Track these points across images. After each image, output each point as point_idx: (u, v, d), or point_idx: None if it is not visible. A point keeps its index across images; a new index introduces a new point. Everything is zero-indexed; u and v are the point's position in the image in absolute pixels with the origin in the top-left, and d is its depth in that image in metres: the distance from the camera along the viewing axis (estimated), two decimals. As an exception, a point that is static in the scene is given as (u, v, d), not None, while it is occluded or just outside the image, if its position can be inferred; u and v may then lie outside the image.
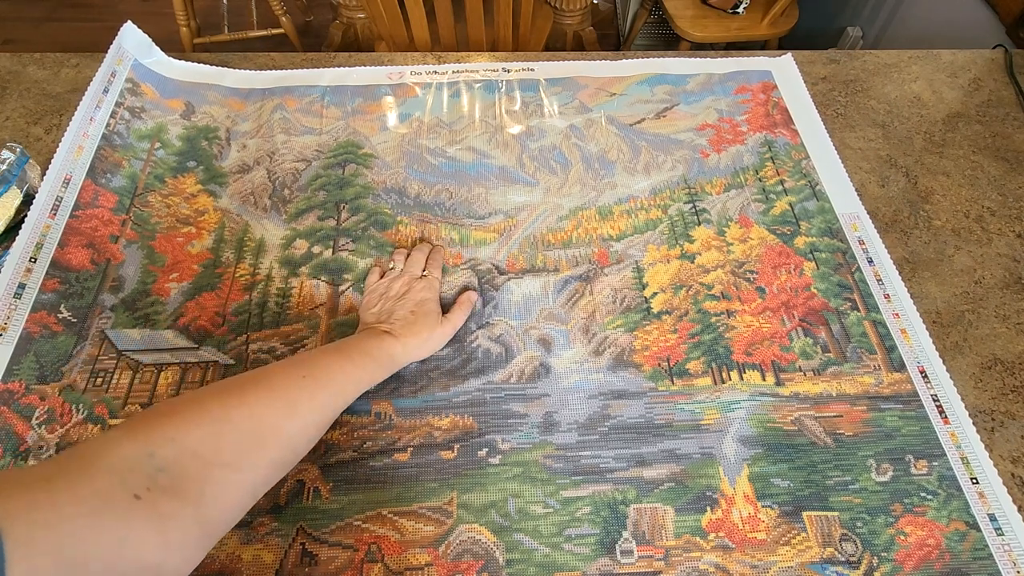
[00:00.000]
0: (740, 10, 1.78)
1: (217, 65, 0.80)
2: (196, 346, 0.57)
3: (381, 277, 0.61)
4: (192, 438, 0.38)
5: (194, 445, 0.38)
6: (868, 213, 0.68)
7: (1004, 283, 0.64)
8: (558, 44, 1.99)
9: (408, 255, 0.63)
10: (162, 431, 0.38)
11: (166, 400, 0.42)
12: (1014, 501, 0.50)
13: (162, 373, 0.56)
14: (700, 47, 1.81)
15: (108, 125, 0.70)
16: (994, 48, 0.88)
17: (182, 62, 0.80)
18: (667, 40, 2.23)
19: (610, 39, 2.37)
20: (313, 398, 0.47)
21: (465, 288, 0.62)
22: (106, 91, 0.72)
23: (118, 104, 0.72)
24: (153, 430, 0.38)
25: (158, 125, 0.73)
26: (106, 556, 0.32)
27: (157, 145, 0.71)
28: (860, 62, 0.85)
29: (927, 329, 0.60)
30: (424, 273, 0.61)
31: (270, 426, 0.43)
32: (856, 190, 0.70)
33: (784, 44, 1.91)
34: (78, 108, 0.70)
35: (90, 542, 0.31)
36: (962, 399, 0.56)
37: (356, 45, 2.04)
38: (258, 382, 0.45)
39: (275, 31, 2.03)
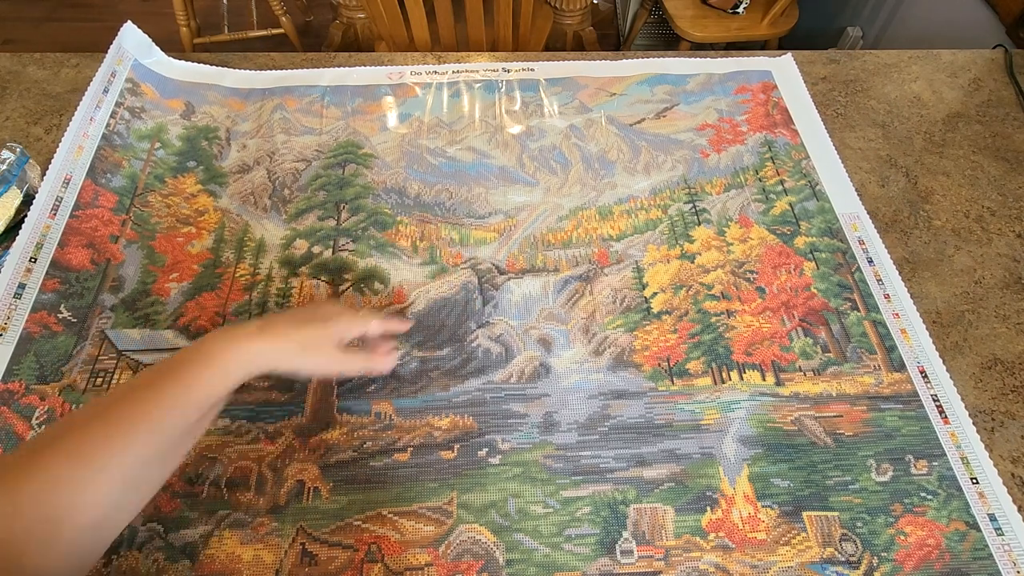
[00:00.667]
0: (740, 10, 1.78)
1: (217, 65, 0.80)
2: None
3: None
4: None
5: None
6: (868, 213, 0.68)
7: (1004, 283, 0.64)
8: (558, 44, 1.99)
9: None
10: None
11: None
12: (1014, 501, 0.50)
13: None
14: (700, 47, 1.81)
15: (108, 125, 0.70)
16: (994, 48, 0.88)
17: (182, 62, 0.80)
18: (667, 40, 2.23)
19: (610, 39, 2.37)
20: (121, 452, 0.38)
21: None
22: (106, 91, 0.72)
23: (118, 104, 0.72)
24: None
25: (158, 125, 0.73)
26: None
27: (157, 145, 0.71)
28: (860, 62, 0.85)
29: (927, 329, 0.60)
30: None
31: (63, 504, 0.35)
32: (856, 190, 0.70)
33: (784, 44, 1.90)
34: (78, 108, 0.70)
35: None
36: (962, 399, 0.56)
37: (356, 45, 2.04)
38: (53, 441, 0.38)
39: (275, 31, 2.03)
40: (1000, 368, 0.59)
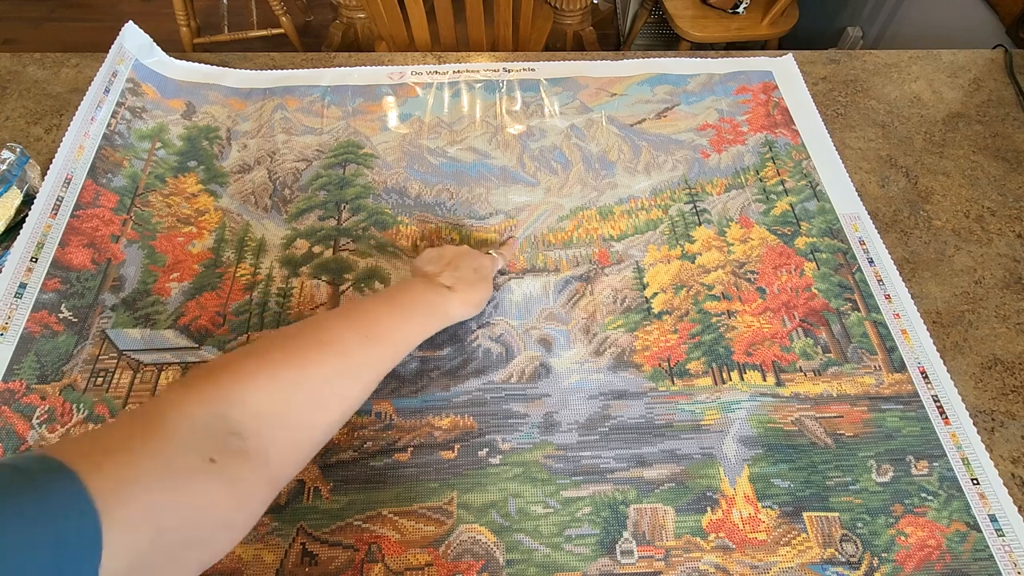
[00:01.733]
0: (740, 10, 1.79)
1: (217, 65, 0.80)
2: (197, 346, 0.57)
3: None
4: (261, 402, 0.39)
5: (263, 409, 0.39)
6: (868, 213, 0.68)
7: (1004, 283, 0.64)
8: (558, 44, 1.99)
9: None
10: (231, 393, 0.38)
11: (226, 356, 0.41)
12: (1015, 502, 0.50)
13: (163, 373, 0.56)
14: (700, 47, 1.81)
15: (109, 125, 0.70)
16: (994, 48, 0.88)
17: (183, 62, 0.80)
18: (667, 40, 2.23)
19: (610, 39, 2.37)
20: (375, 361, 0.47)
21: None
22: (107, 91, 0.72)
23: (119, 104, 0.72)
24: (222, 391, 0.38)
25: (159, 125, 0.73)
26: (189, 521, 0.33)
27: (158, 145, 0.71)
28: (860, 62, 0.85)
29: (927, 329, 0.60)
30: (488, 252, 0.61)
31: (334, 391, 0.44)
32: (856, 190, 0.70)
33: (784, 44, 1.90)
34: (79, 108, 0.70)
35: (175, 510, 0.32)
36: (962, 399, 0.56)
37: (356, 45, 2.04)
38: (321, 343, 0.44)
39: (275, 31, 2.03)
40: (1000, 368, 0.59)
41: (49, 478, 0.28)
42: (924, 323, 0.60)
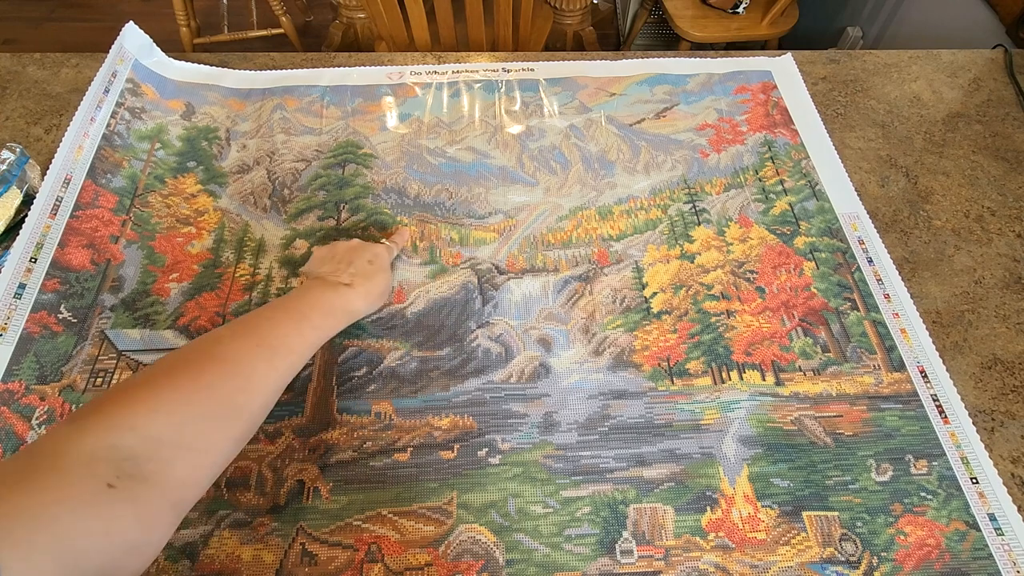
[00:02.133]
0: (740, 10, 1.79)
1: (217, 65, 0.80)
2: None
3: None
4: (153, 425, 0.38)
5: (156, 432, 0.38)
6: (868, 213, 0.68)
7: (1004, 283, 0.64)
8: (558, 44, 1.99)
9: None
10: (121, 421, 0.37)
11: (116, 386, 0.41)
12: (1014, 501, 0.50)
13: None
14: (700, 47, 1.81)
15: (108, 125, 0.70)
16: (994, 48, 0.88)
17: (182, 63, 0.80)
18: (667, 40, 2.23)
19: (610, 39, 2.37)
20: (271, 368, 0.46)
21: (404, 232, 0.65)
22: (107, 91, 0.72)
23: (119, 104, 0.72)
24: (112, 420, 0.37)
25: (158, 126, 0.73)
26: (97, 544, 0.33)
27: (157, 146, 0.71)
28: (860, 62, 0.85)
29: (927, 329, 0.60)
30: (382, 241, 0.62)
31: (234, 407, 0.43)
32: (856, 190, 0.70)
33: (784, 44, 1.90)
34: (79, 108, 0.70)
35: (80, 534, 0.32)
36: (962, 399, 0.56)
37: (356, 45, 2.04)
38: (215, 359, 0.44)
39: (275, 31, 2.03)
40: (1000, 368, 0.59)
41: None
42: (924, 322, 0.60)
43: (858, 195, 0.69)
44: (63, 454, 0.35)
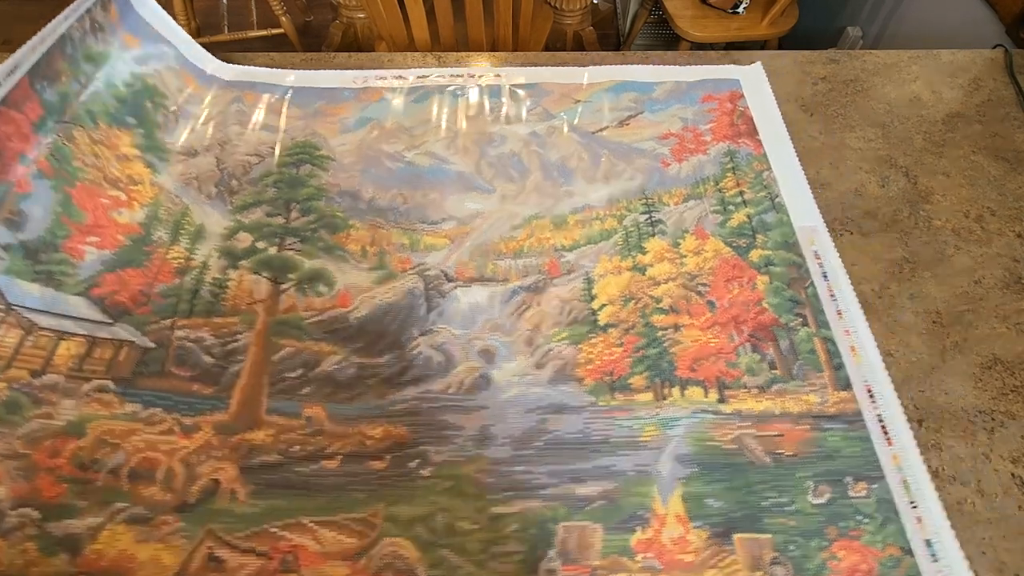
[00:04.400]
0: (740, 10, 1.77)
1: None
2: (111, 321, 0.56)
3: None
4: None
5: None
6: (868, 213, 0.68)
7: (1004, 283, 0.63)
8: (558, 44, 1.98)
9: None
10: None
11: None
12: (952, 527, 0.49)
13: (63, 343, 0.53)
14: (700, 47, 1.80)
15: (71, 27, 0.63)
16: (994, 48, 0.88)
17: (156, 5, 0.75)
18: (667, 40, 2.21)
19: (610, 39, 2.36)
20: None
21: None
22: None
23: (87, 12, 0.65)
24: None
25: (108, 53, 0.67)
26: None
27: (100, 75, 0.65)
28: (860, 62, 0.85)
29: (924, 330, 0.59)
30: None
31: None
32: (855, 190, 0.70)
33: (784, 44, 1.89)
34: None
35: None
36: (960, 400, 0.56)
37: (356, 45, 2.04)
38: None
39: (275, 31, 2.04)
40: (1000, 368, 0.58)
41: None
42: (922, 324, 0.60)
43: (857, 195, 0.69)
44: None
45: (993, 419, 0.55)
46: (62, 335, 0.53)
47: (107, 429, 0.51)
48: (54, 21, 0.63)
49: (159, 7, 0.75)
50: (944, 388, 0.57)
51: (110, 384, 0.53)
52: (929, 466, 0.53)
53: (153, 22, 0.74)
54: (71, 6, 0.65)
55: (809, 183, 0.71)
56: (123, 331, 0.55)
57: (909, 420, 0.55)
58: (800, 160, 0.73)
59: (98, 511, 0.47)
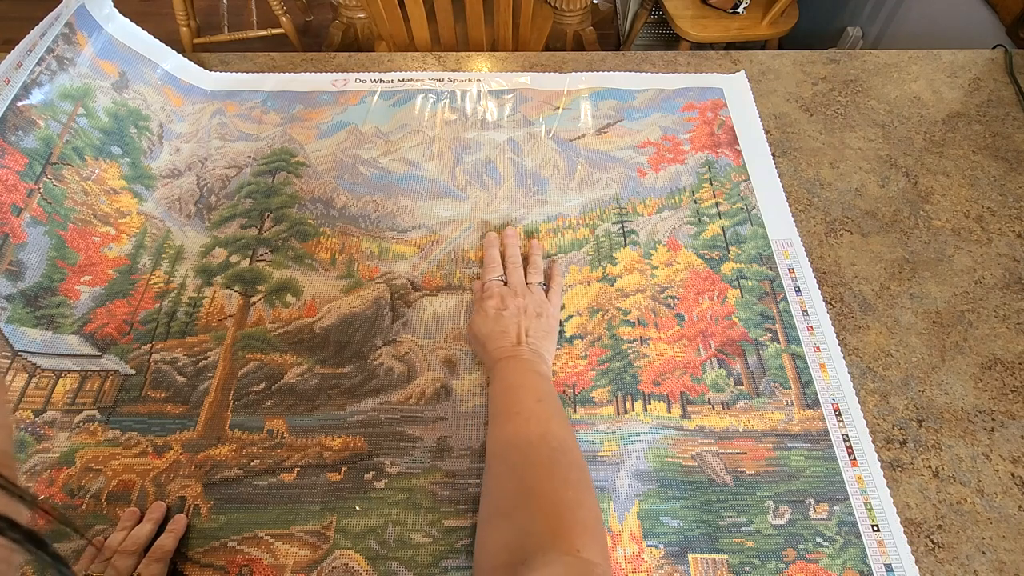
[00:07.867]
0: (740, 10, 1.76)
1: (217, 65, 0.80)
2: (99, 354, 0.57)
3: (482, 289, 0.60)
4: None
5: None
6: (868, 213, 0.67)
7: (1004, 283, 0.63)
8: (558, 44, 1.97)
9: (504, 256, 0.63)
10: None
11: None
12: (913, 552, 0.48)
13: (60, 380, 0.55)
14: (700, 47, 1.78)
15: (33, 73, 0.61)
16: (994, 48, 0.87)
17: (126, 20, 0.72)
18: (667, 40, 2.19)
19: (610, 39, 2.34)
20: (565, 428, 0.49)
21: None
22: (43, 34, 0.64)
23: (48, 51, 0.63)
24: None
25: (85, 87, 0.66)
26: None
27: (81, 111, 0.65)
28: (860, 62, 0.84)
29: (924, 330, 0.59)
30: (529, 282, 0.61)
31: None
32: (856, 190, 0.69)
33: (784, 44, 1.87)
34: (11, 52, 0.62)
35: None
36: (960, 400, 0.55)
37: (356, 45, 2.04)
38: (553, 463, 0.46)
39: (275, 31, 2.04)
40: (1000, 368, 0.57)
41: None
42: (922, 324, 0.59)
43: (857, 195, 0.69)
44: None
45: (993, 419, 0.54)
46: (61, 373, 0.55)
47: (92, 456, 0.52)
48: (3, 67, 0.61)
49: (131, 23, 0.74)
50: (944, 388, 0.57)
51: (96, 414, 0.54)
52: (929, 466, 0.52)
53: (128, 41, 0.72)
54: (12, 55, 0.62)
55: (809, 183, 0.70)
56: (109, 362, 0.57)
57: (909, 420, 0.54)
58: (800, 160, 0.72)
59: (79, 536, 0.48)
